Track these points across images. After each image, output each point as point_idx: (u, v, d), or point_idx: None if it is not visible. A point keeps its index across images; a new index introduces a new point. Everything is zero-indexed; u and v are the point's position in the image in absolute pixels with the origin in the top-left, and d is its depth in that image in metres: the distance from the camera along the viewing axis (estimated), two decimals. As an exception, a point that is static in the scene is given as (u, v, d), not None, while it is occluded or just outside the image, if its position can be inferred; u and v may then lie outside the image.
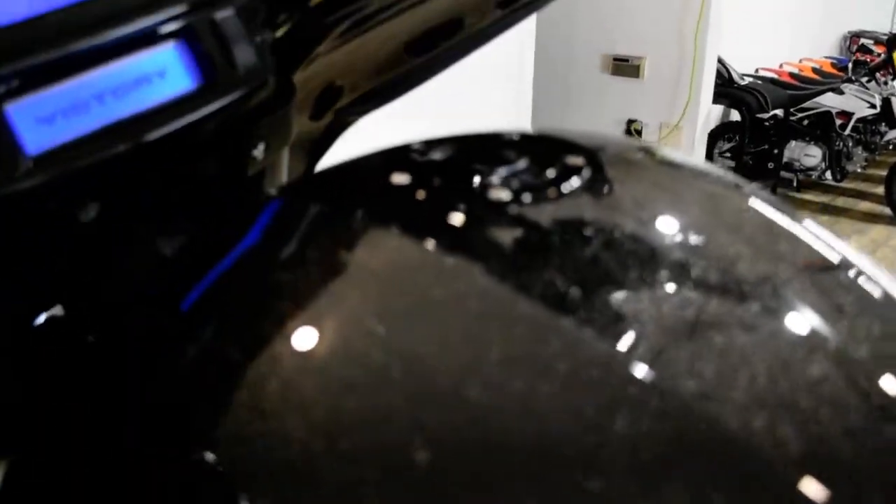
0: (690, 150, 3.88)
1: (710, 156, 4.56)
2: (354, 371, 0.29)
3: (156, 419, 0.31)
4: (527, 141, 0.42)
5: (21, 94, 0.30)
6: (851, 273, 0.34)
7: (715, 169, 0.42)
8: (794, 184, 4.65)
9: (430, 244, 0.32)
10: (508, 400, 0.26)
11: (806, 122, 4.42)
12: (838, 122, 4.37)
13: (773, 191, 4.49)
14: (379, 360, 0.28)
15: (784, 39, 5.48)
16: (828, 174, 4.41)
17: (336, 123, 0.61)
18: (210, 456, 0.28)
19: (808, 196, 4.61)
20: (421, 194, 0.35)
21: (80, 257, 0.38)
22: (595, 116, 4.13)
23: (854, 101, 4.31)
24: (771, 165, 4.42)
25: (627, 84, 3.94)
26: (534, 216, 0.34)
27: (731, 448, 0.25)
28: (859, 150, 4.52)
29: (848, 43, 6.50)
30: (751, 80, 4.31)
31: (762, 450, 0.25)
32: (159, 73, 0.34)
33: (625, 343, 0.27)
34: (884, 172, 4.29)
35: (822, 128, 4.39)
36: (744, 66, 4.57)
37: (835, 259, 0.34)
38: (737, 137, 4.23)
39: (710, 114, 4.32)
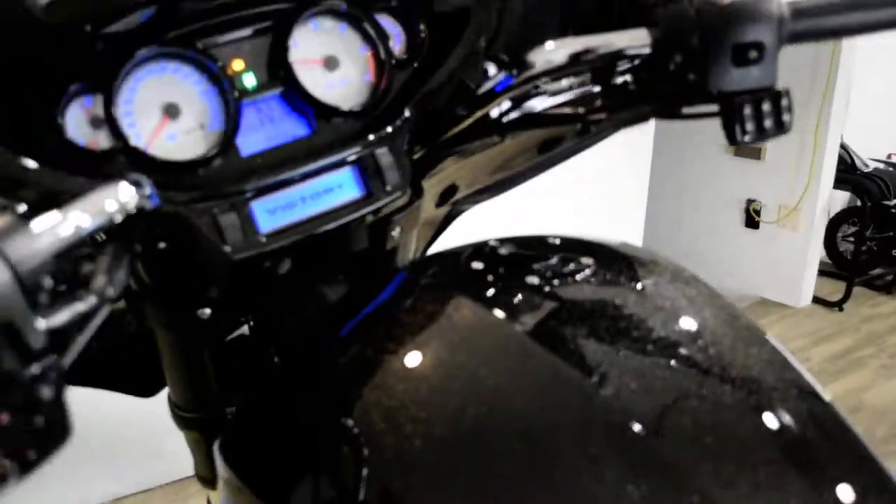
0: (809, 232, 4.01)
1: (832, 239, 4.63)
2: (438, 379, 0.55)
3: (321, 401, 0.59)
4: (559, 242, 0.68)
5: (258, 197, 0.59)
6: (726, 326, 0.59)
7: (671, 265, 0.66)
8: (921, 272, 4.65)
9: (490, 309, 0.59)
10: (536, 402, 0.52)
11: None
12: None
13: (896, 278, 4.52)
14: (454, 376, 0.55)
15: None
16: (953, 265, 4.41)
17: (454, 210, 0.90)
18: (358, 425, 0.54)
19: (933, 285, 4.59)
20: (489, 277, 0.63)
21: (272, 297, 0.67)
22: (716, 195, 4.32)
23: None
24: (894, 252, 4.45)
25: (749, 165, 4.12)
26: (552, 294, 0.60)
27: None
28: None
29: None
30: (877, 166, 4.37)
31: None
32: (339, 186, 0.63)
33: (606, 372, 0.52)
34: None
35: (949, 217, 4.41)
36: (876, 152, 4.66)
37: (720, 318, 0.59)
38: (860, 222, 4.29)
39: (832, 197, 4.42)
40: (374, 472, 0.51)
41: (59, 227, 0.41)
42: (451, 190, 0.82)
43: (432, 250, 0.85)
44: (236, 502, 0.63)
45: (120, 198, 0.47)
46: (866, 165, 4.28)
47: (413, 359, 0.58)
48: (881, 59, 4.48)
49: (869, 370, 3.40)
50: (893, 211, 4.43)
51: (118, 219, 0.47)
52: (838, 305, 4.12)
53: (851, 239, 4.46)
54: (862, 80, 4.20)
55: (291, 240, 0.60)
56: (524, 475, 0.49)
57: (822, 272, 4.38)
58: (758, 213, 4.17)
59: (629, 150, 3.11)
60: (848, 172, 4.13)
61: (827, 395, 0.57)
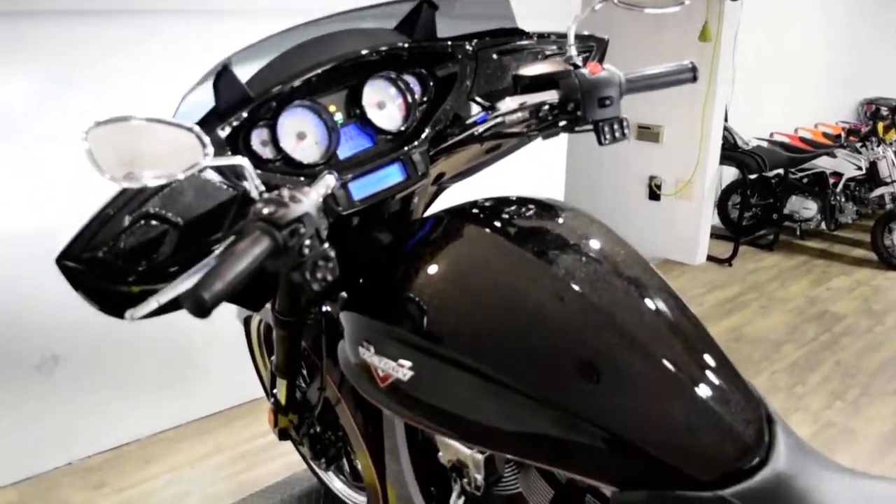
0: (701, 201, 4.73)
1: (724, 207, 5.41)
2: (458, 284, 1.13)
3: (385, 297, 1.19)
4: (522, 200, 1.31)
5: (352, 181, 1.18)
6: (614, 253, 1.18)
7: (572, 207, 1.28)
8: (798, 233, 5.47)
9: (485, 234, 1.17)
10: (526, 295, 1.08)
11: (805, 180, 5.27)
12: (832, 181, 5.23)
13: (777, 237, 5.32)
14: (466, 279, 1.12)
15: (802, 106, 6.28)
16: (823, 224, 5.25)
17: (440, 188, 1.52)
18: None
19: (809, 243, 5.41)
20: (483, 218, 1.22)
21: (347, 241, 1.24)
22: (624, 174, 5.02)
23: (844, 164, 5.16)
24: (775, 216, 5.26)
25: (650, 147, 4.83)
26: (518, 226, 1.20)
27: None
28: (850, 204, 5.33)
29: (864, 108, 7.22)
30: (758, 144, 5.13)
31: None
32: (391, 174, 1.24)
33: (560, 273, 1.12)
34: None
35: (818, 185, 5.25)
36: (761, 131, 5.44)
37: (610, 246, 1.19)
38: (744, 192, 5.05)
39: (723, 172, 5.17)
40: (428, 313, 1.08)
41: (320, 189, 1.00)
42: (441, 175, 1.44)
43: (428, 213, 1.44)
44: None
45: (328, 182, 1.07)
46: (747, 144, 5.03)
47: (442, 265, 1.13)
48: (759, 59, 5.24)
49: (750, 310, 4.13)
50: (773, 181, 5.25)
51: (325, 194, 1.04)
52: (728, 261, 4.87)
53: (738, 206, 5.23)
54: (745, 75, 4.95)
55: (370, 203, 1.18)
56: (515, 308, 1.03)
57: (716, 235, 5.12)
58: (658, 187, 4.88)
59: (547, 142, 3.71)
60: (731, 150, 4.86)
61: (681, 299, 1.08)
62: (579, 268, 1.09)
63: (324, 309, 1.46)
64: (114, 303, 1.06)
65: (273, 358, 1.50)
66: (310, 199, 0.91)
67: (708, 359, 1.02)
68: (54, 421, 2.50)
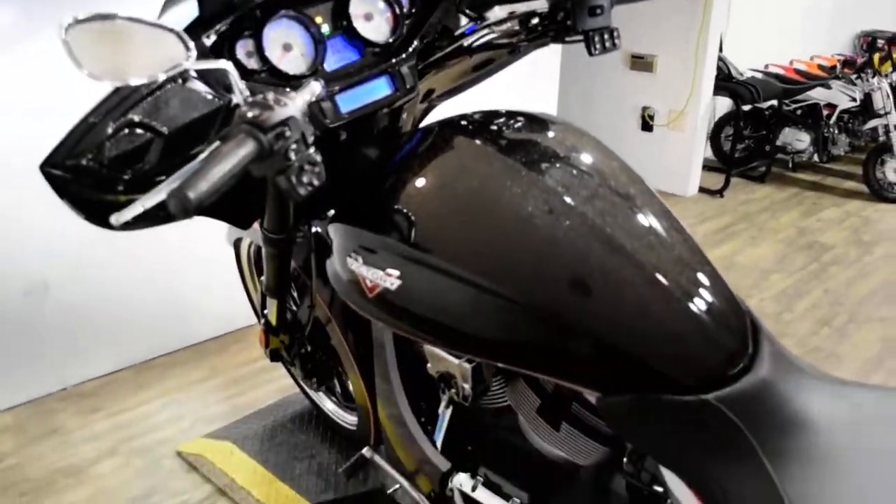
0: (694, 132, 4.71)
1: (717, 139, 5.39)
2: (446, 194, 1.12)
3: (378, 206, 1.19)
4: (513, 113, 1.30)
5: (338, 94, 1.16)
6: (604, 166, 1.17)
7: (566, 122, 1.27)
8: (790, 165, 5.46)
9: (475, 145, 1.17)
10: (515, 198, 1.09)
11: (798, 112, 5.24)
12: (825, 112, 5.19)
13: (769, 169, 5.32)
14: (454, 188, 1.12)
15: (798, 38, 6.19)
16: (815, 157, 5.23)
17: (430, 105, 1.50)
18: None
19: (800, 175, 5.40)
20: (472, 129, 1.22)
21: (336, 157, 1.23)
22: (616, 105, 4.98)
23: (838, 95, 5.11)
24: (767, 148, 5.24)
25: (643, 77, 4.79)
26: (509, 138, 1.19)
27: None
28: (843, 136, 5.30)
29: (860, 41, 7.14)
30: (752, 75, 5.08)
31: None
32: (378, 87, 1.22)
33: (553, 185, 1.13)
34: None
35: (811, 117, 5.21)
36: (756, 62, 5.38)
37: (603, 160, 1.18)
38: (736, 123, 5.03)
39: (716, 104, 5.14)
40: (416, 223, 1.08)
41: (305, 95, 1.00)
42: (430, 92, 1.43)
43: None
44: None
45: (314, 89, 1.06)
46: (741, 74, 4.98)
47: (431, 175, 1.13)
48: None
49: (741, 240, 4.15)
50: (766, 113, 5.21)
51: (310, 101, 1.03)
52: (720, 193, 4.88)
53: (731, 137, 5.21)
54: (741, 4, 4.87)
55: (357, 115, 1.17)
56: (503, 216, 1.03)
57: (708, 167, 5.12)
58: (651, 118, 4.85)
59: (539, 70, 3.69)
60: (725, 81, 4.82)
61: (670, 211, 1.08)
62: (569, 178, 1.08)
63: (313, 229, 1.46)
64: (100, 212, 1.05)
65: (263, 279, 1.50)
66: (295, 104, 0.90)
67: (695, 268, 1.02)
68: (47, 347, 2.52)
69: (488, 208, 1.06)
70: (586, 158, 1.13)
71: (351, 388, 1.84)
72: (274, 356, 1.78)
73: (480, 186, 1.08)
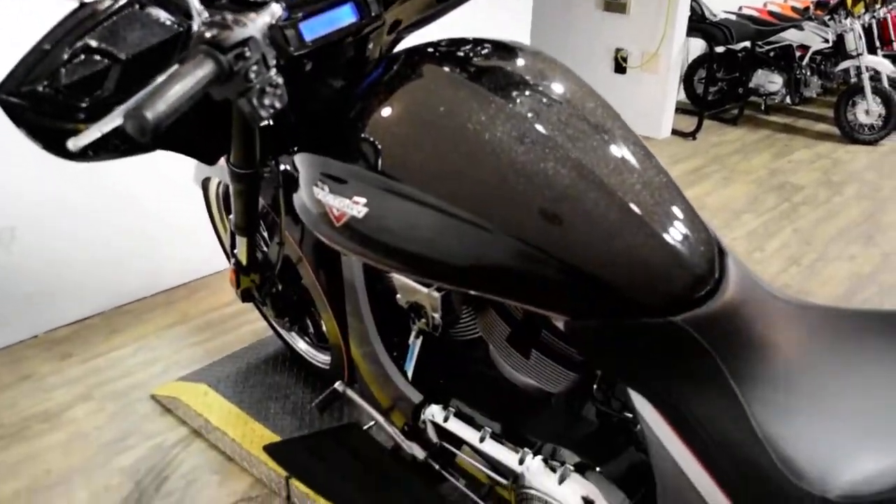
0: (667, 74, 4.69)
1: (690, 82, 5.38)
2: (413, 120, 1.09)
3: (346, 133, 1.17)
4: (482, 40, 1.27)
5: (303, 21, 1.11)
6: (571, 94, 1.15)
7: (537, 51, 1.24)
8: (762, 107, 5.47)
9: (443, 71, 1.15)
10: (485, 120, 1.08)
11: (771, 53, 5.23)
12: (798, 54, 5.19)
13: (742, 111, 5.33)
14: (421, 114, 1.09)
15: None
16: (787, 99, 5.25)
17: (398, 37, 1.47)
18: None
19: (773, 118, 5.42)
20: (440, 55, 1.19)
21: (301, 85, 1.21)
22: (589, 47, 4.93)
23: (811, 37, 5.11)
24: (740, 90, 5.24)
25: (616, 19, 4.74)
26: (478, 65, 1.16)
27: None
28: (815, 78, 5.32)
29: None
30: (725, 16, 5.05)
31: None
32: (343, 14, 1.17)
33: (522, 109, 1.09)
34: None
35: (784, 59, 5.22)
36: (730, 4, 5.34)
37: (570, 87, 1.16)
38: (709, 65, 5.02)
39: (690, 47, 5.11)
40: (382, 150, 1.06)
41: (265, 17, 0.97)
42: (397, 23, 1.39)
43: None
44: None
45: (274, 11, 1.03)
46: (715, 16, 4.95)
47: (397, 101, 1.10)
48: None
49: (712, 181, 4.17)
50: (739, 55, 5.20)
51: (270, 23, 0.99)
52: (692, 135, 4.88)
53: (704, 79, 5.20)
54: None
55: (321, 43, 1.13)
56: (470, 141, 1.01)
57: (681, 110, 5.11)
58: (625, 59, 4.82)
59: (511, 12, 3.64)
60: (699, 22, 4.79)
61: (640, 139, 1.08)
62: (538, 104, 1.07)
63: (281, 166, 1.44)
64: (58, 141, 1.02)
65: (232, 217, 1.49)
66: (255, 25, 0.89)
67: (662, 193, 1.02)
68: (16, 294, 2.48)
69: (456, 134, 1.04)
70: (556, 86, 1.12)
71: (324, 327, 1.84)
72: (245, 296, 1.77)
73: (448, 112, 1.06)
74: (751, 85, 5.24)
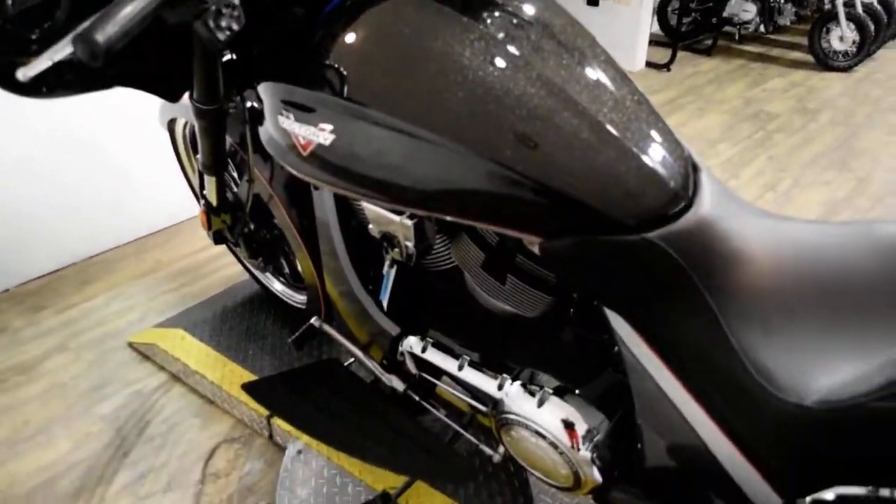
0: (639, 5, 4.62)
1: (663, 13, 5.31)
2: (378, 43, 1.04)
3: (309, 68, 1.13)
4: None
5: None
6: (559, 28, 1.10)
7: None
8: (736, 37, 5.44)
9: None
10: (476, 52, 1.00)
11: (745, -19, 5.18)
12: (771, -20, 5.14)
13: (716, 42, 5.28)
14: (387, 38, 1.02)
15: None
16: (761, 28, 5.20)
17: None
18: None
19: (747, 47, 5.39)
20: None
21: (263, 17, 1.16)
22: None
23: (784, -38, 5.06)
24: (714, 20, 5.19)
25: (587, -52, 4.65)
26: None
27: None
28: (789, 6, 5.27)
29: None
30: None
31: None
32: None
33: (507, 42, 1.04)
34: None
35: (757, -14, 5.16)
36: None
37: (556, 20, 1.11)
38: (686, -4, 4.96)
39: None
40: (347, 75, 1.02)
41: None
42: None
43: None
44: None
45: None
46: (687, -57, 4.89)
47: (362, 26, 1.03)
48: None
49: (687, 112, 4.14)
50: (713, -17, 5.14)
51: None
52: (666, 67, 4.84)
53: (678, 10, 5.15)
54: None
55: None
56: (437, 62, 0.97)
57: (655, 42, 5.06)
58: (599, -11, 4.74)
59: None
60: (671, -50, 4.73)
61: (614, 60, 1.04)
62: (508, 24, 1.03)
63: (247, 103, 1.40)
64: (10, 75, 0.98)
65: (199, 156, 1.45)
66: None
67: (634, 110, 1.00)
68: (-17, 247, 2.45)
69: (422, 55, 1.01)
70: (527, 6, 1.08)
71: (298, 266, 1.82)
72: (218, 238, 1.74)
73: (414, 33, 1.03)
74: (724, 14, 5.18)
